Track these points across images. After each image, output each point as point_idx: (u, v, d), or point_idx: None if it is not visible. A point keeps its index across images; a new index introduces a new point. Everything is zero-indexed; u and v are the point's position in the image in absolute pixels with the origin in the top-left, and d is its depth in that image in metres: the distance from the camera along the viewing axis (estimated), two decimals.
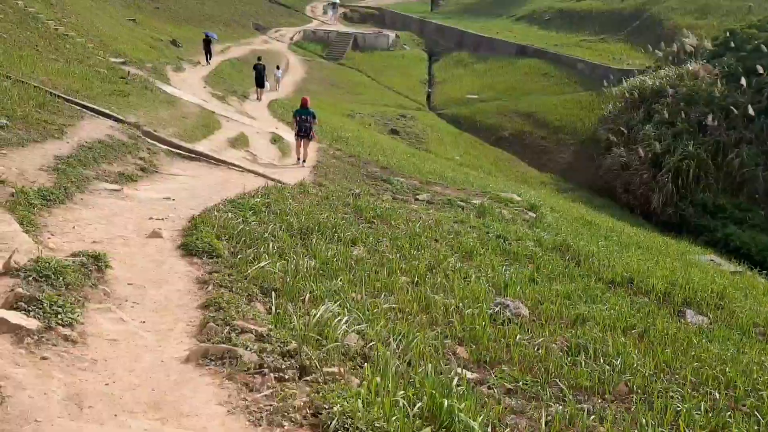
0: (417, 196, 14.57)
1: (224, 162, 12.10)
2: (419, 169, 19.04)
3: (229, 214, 7.51)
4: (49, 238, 5.69)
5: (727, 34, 31.40)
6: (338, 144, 19.12)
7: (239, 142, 15.25)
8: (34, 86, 11.59)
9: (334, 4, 55.89)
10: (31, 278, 4.29)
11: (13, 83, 11.32)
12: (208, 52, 31.22)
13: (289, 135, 18.52)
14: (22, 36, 17.78)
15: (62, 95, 12.05)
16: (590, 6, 48.61)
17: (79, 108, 11.75)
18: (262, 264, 5.74)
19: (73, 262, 4.77)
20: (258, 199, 8.77)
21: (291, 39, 47.74)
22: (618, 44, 42.04)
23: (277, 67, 32.75)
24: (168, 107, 16.06)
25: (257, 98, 26.43)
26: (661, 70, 32.00)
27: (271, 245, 6.62)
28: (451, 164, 25.06)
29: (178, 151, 11.80)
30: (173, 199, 8.40)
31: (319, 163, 15.34)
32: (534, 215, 15.10)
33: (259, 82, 26.15)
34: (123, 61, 21.99)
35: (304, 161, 15.21)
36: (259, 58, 28.03)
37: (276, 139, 17.16)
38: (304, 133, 15.20)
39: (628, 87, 32.01)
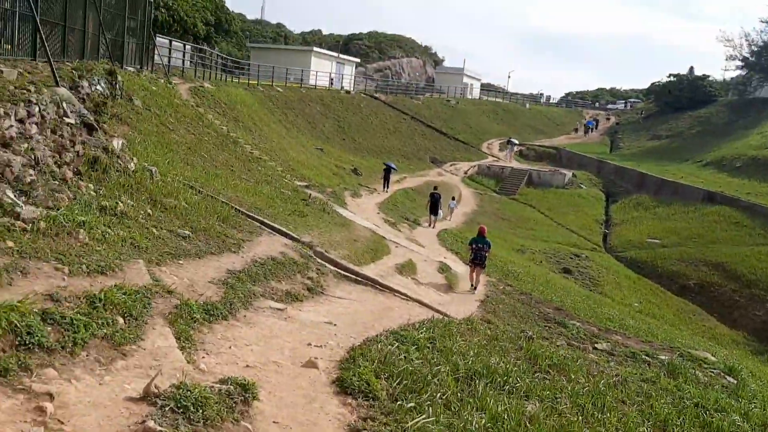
0: (595, 345, 13.09)
1: (390, 288, 11.67)
2: (596, 313, 17.46)
3: (391, 348, 6.83)
4: (203, 357, 5.33)
5: None
6: (508, 279, 18.18)
7: (406, 268, 14.90)
8: (222, 202, 12.13)
9: (511, 142, 56.67)
10: (167, 408, 3.82)
11: (203, 198, 11.92)
12: (386, 180, 32.54)
13: (456, 265, 18.02)
14: (221, 157, 19.28)
15: (246, 212, 12.50)
16: None
17: (258, 225, 12.07)
18: (423, 420, 4.90)
19: (219, 390, 4.28)
20: (422, 333, 8.06)
21: (465, 173, 48.53)
22: None
23: (453, 198, 33.49)
24: (341, 230, 16.27)
25: (430, 225, 26.78)
26: None
27: (435, 392, 5.79)
28: (629, 311, 22.93)
29: (346, 273, 11.58)
30: (335, 324, 7.94)
31: (488, 297, 14.48)
32: (734, 381, 12.89)
33: (434, 210, 26.75)
34: (306, 185, 23.16)
35: (475, 288, 15.22)
36: (435, 188, 28.73)
37: (444, 269, 16.64)
38: (479, 261, 15.36)
39: None
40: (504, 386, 7.18)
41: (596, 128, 75.24)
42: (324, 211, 18.30)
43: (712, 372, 13.20)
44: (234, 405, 4.25)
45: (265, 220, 12.53)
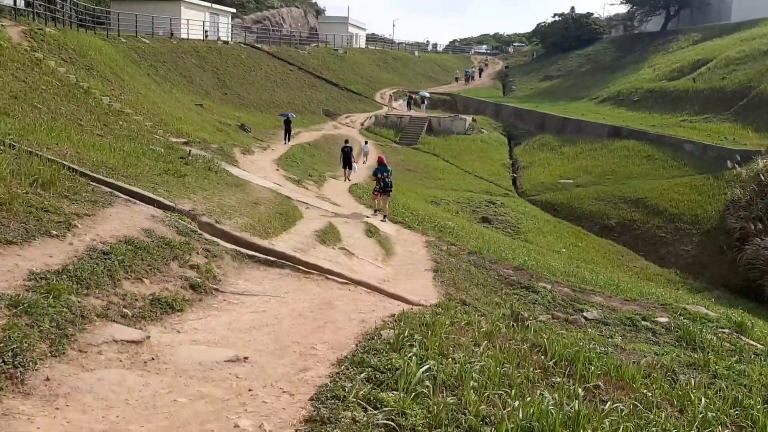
0: (584, 314, 10.10)
1: (318, 268, 7.92)
2: (550, 269, 14.61)
3: (373, 414, 3.23)
4: None
5: None
6: (447, 237, 14.92)
7: (329, 235, 11.18)
8: (48, 159, 7.89)
9: (421, 96, 53.72)
10: None
11: (17, 154, 7.65)
12: (287, 132, 30.57)
13: (384, 225, 14.59)
14: (65, 109, 14.61)
15: (88, 172, 8.32)
16: (686, 85, 44.32)
17: (109, 190, 7.95)
18: None
19: None
20: (405, 353, 4.48)
21: (362, 124, 45.10)
22: (725, 124, 37.40)
23: (365, 142, 33.00)
24: (235, 191, 12.27)
25: (345, 179, 24.49)
26: None
27: None
28: (573, 261, 20.47)
29: (251, 252, 7.73)
30: (245, 359, 4.19)
31: (439, 264, 11.06)
32: (751, 342, 10.28)
33: (347, 164, 23.91)
34: (185, 141, 18.73)
35: (385, 216, 15.47)
36: (346, 141, 26.42)
37: (372, 231, 13.08)
38: (389, 188, 15.70)
39: (762, 168, 27.12)
40: None
41: (480, 75, 73.15)
42: (210, 169, 14.14)
43: (723, 332, 10.57)
44: None
45: (120, 183, 8.39)
